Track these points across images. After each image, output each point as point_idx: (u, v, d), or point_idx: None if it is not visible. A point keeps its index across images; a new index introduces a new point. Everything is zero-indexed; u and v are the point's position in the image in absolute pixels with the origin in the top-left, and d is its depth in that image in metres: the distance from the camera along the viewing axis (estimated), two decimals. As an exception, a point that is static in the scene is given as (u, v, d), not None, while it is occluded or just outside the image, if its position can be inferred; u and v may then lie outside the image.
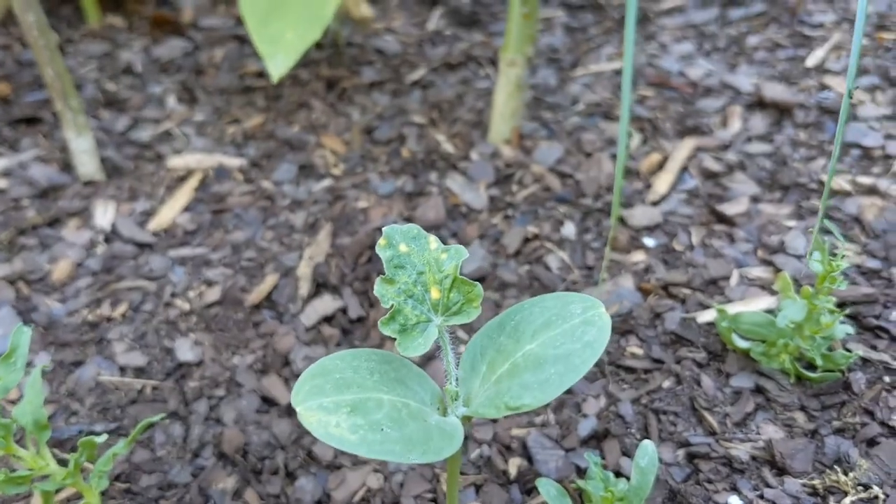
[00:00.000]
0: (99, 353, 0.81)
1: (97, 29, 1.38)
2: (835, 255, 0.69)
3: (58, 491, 0.66)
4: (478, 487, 0.71)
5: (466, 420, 0.53)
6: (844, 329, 0.71)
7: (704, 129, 1.14)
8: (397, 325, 0.51)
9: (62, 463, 0.67)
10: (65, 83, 0.97)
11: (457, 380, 0.54)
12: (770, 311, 0.80)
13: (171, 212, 0.97)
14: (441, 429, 0.51)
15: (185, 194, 1.00)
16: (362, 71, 1.27)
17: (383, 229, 0.52)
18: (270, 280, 0.89)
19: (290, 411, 0.78)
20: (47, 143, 1.10)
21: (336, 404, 0.49)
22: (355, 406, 0.49)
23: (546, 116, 1.17)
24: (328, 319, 0.87)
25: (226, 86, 1.25)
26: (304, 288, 0.88)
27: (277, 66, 1.03)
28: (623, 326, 0.81)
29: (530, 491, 0.70)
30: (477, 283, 0.51)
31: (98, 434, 0.73)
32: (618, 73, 1.28)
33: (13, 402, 0.75)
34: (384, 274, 0.51)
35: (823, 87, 1.19)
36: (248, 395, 0.79)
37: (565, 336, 0.53)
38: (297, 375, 0.81)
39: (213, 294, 0.86)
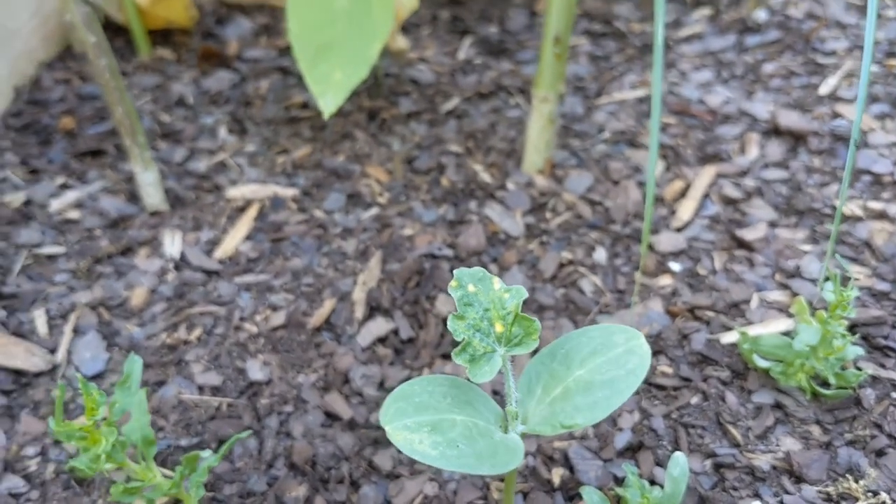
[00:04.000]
0: (178, 373, 0.89)
1: (148, 61, 1.47)
2: (846, 283, 0.77)
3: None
4: (525, 494, 0.79)
5: (524, 437, 0.61)
6: (855, 350, 0.79)
7: (724, 155, 1.21)
8: (467, 355, 0.59)
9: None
10: (133, 121, 1.06)
11: (516, 401, 0.62)
12: (787, 333, 0.87)
13: (233, 241, 1.06)
14: (505, 444, 0.59)
15: (245, 224, 1.09)
16: (400, 101, 1.36)
17: (454, 272, 0.60)
18: (328, 304, 0.97)
19: (352, 425, 0.86)
20: (112, 174, 1.19)
21: (418, 424, 0.57)
22: (434, 426, 0.57)
23: (574, 144, 1.25)
24: (382, 340, 0.95)
25: (272, 117, 1.34)
26: (360, 311, 0.97)
27: (328, 104, 1.12)
28: (654, 347, 0.89)
29: (572, 497, 0.78)
30: (535, 318, 0.60)
31: (185, 448, 0.82)
32: (641, 101, 1.36)
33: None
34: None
35: (836, 115, 1.26)
36: (314, 411, 0.87)
37: (610, 364, 0.61)
38: (357, 393, 0.89)
39: (278, 318, 0.95)
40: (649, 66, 1.46)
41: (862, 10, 1.57)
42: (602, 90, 1.40)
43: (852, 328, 0.89)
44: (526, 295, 0.59)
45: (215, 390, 0.88)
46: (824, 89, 1.33)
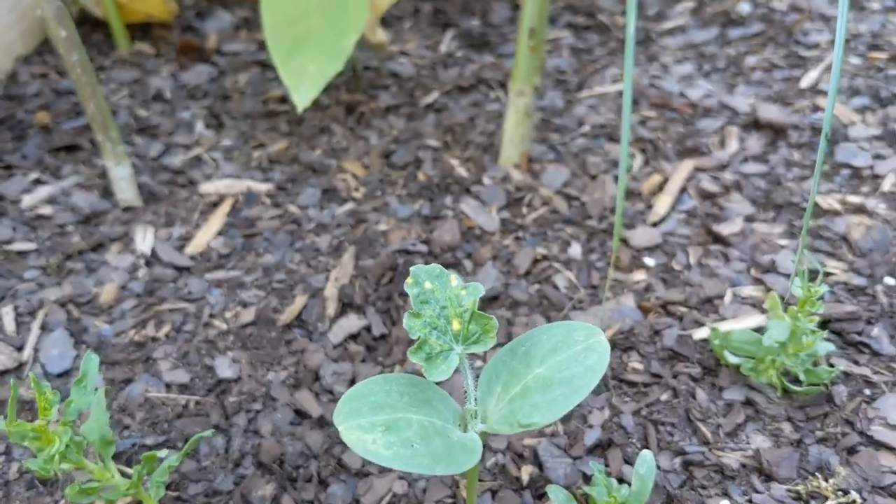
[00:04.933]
0: (146, 371, 0.88)
1: (126, 55, 1.45)
2: (814, 279, 0.76)
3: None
4: (494, 493, 0.78)
5: (484, 435, 0.60)
6: (827, 346, 0.78)
7: (703, 149, 1.21)
8: (424, 353, 0.58)
9: (122, 474, 0.75)
10: (105, 116, 1.05)
11: (475, 399, 0.61)
12: (760, 329, 0.87)
13: (205, 236, 1.05)
14: (462, 444, 0.58)
15: (217, 219, 1.07)
16: (379, 95, 1.34)
17: (411, 269, 0.59)
18: (300, 301, 0.96)
19: (321, 423, 0.85)
20: (87, 169, 1.17)
21: (372, 424, 0.56)
22: (388, 425, 0.56)
23: (553, 138, 1.24)
24: (354, 337, 0.94)
25: (250, 111, 1.33)
26: (331, 308, 0.96)
27: (302, 97, 1.11)
28: (625, 343, 0.88)
29: (541, 496, 0.78)
30: (492, 316, 0.59)
31: (150, 447, 0.81)
32: (622, 94, 1.35)
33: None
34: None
35: (816, 108, 1.25)
36: (283, 409, 0.86)
37: (570, 361, 0.60)
38: (327, 390, 0.88)
39: (248, 315, 0.94)
40: (633, 58, 1.45)
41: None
42: (583, 83, 1.39)
43: (826, 324, 0.88)
44: (482, 291, 0.59)
45: (183, 388, 0.87)
46: (805, 82, 1.32)
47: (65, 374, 0.88)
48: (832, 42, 1.42)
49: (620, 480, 0.76)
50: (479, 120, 1.29)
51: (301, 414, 0.86)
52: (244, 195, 1.12)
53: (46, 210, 1.10)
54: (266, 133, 1.28)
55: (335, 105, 1.32)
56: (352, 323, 0.95)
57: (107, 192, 1.13)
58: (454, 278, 0.60)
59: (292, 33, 1.12)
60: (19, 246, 1.03)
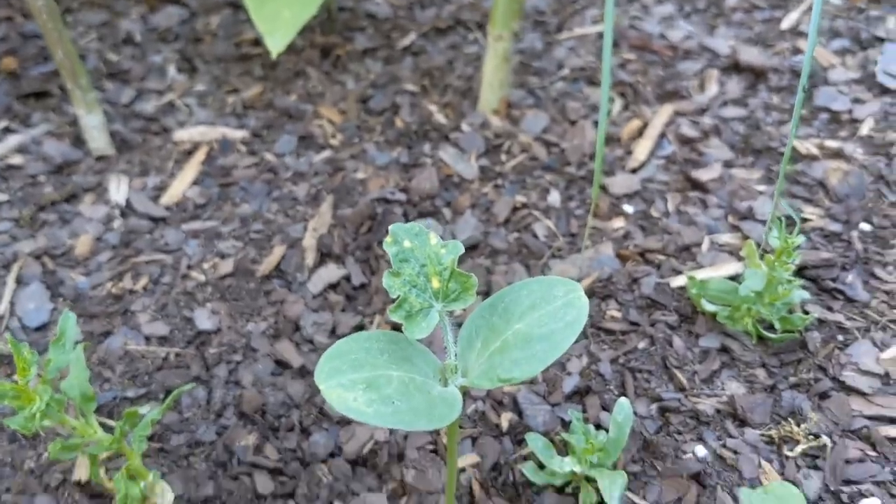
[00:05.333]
0: (125, 323, 0.88)
1: (94, -3, 1.41)
2: (791, 226, 0.76)
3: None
4: (474, 439, 0.79)
5: (464, 389, 0.61)
6: (801, 295, 0.79)
7: (683, 92, 1.20)
8: (403, 311, 0.58)
9: (105, 427, 0.75)
10: (74, 63, 1.02)
11: (455, 355, 0.61)
12: (736, 277, 0.87)
13: (181, 185, 1.03)
14: (443, 398, 0.58)
15: (192, 168, 1.06)
16: (355, 37, 1.32)
17: (390, 228, 0.59)
18: (278, 251, 0.96)
19: (302, 373, 0.86)
20: (57, 117, 1.15)
21: (353, 382, 0.56)
22: (369, 383, 0.57)
23: (532, 82, 1.23)
24: (333, 287, 0.94)
25: (223, 54, 1.30)
26: (310, 258, 0.95)
27: (276, 43, 1.08)
28: (603, 291, 0.89)
29: (520, 441, 0.79)
30: (471, 275, 0.59)
31: (131, 400, 0.81)
32: (602, 36, 1.33)
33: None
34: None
35: (797, 51, 1.24)
36: (263, 360, 0.86)
37: (549, 317, 0.60)
38: (308, 340, 0.89)
39: (227, 266, 0.93)
40: (612, -1, 1.43)
41: (829, -61, 1.54)
42: (563, 25, 1.36)
43: (801, 270, 0.89)
44: (462, 250, 0.58)
45: (163, 340, 0.87)
46: (786, 24, 1.31)
47: (42, 328, 0.87)
48: (814, -19, 1.40)
49: (598, 427, 0.78)
50: (457, 63, 1.27)
51: (282, 364, 0.87)
52: (219, 143, 1.11)
53: (17, 160, 1.07)
54: (240, 77, 1.25)
55: (310, 48, 1.30)
56: (331, 273, 0.95)
57: (78, 141, 1.11)
58: (433, 236, 0.60)
59: (265, -24, 1.09)
60: (-10, 197, 1.02)
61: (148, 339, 0.87)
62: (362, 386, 0.57)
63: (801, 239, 0.73)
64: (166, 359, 0.86)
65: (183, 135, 1.12)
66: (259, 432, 0.80)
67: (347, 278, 0.95)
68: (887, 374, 0.78)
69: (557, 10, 1.40)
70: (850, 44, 1.24)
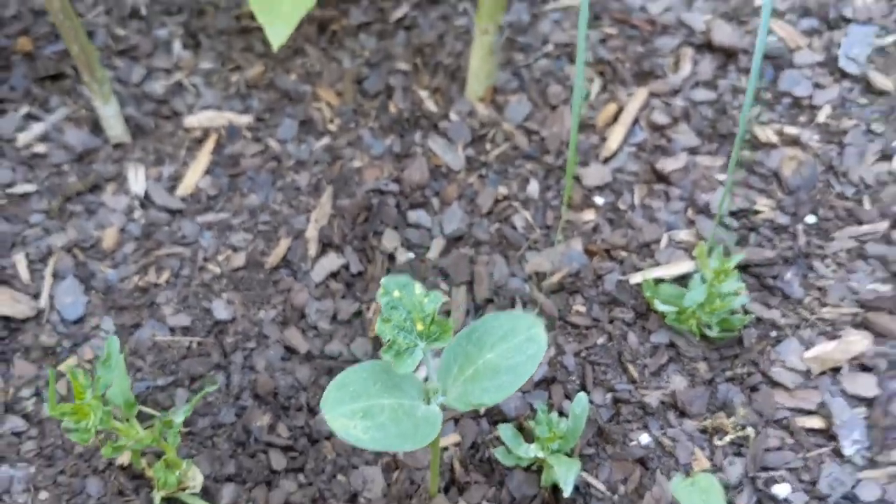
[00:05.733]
0: (151, 315, 1.01)
1: (97, -37, 1.46)
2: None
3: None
4: (456, 420, 0.93)
5: (443, 407, 0.74)
6: (741, 300, 0.91)
7: (659, 72, 1.28)
8: (393, 351, 0.71)
9: (142, 416, 0.89)
10: (90, 57, 1.10)
11: (436, 378, 0.74)
12: (689, 276, 0.99)
13: (194, 176, 1.14)
14: (426, 418, 0.72)
15: (204, 157, 1.16)
16: (350, 11, 1.38)
17: (382, 281, 0.70)
18: (284, 243, 1.07)
19: (308, 357, 0.99)
20: (73, 102, 1.24)
21: (352, 411, 0.69)
22: (365, 412, 0.70)
23: (518, 59, 1.30)
24: (334, 275, 1.06)
25: (225, 27, 1.37)
26: (313, 249, 1.07)
27: (276, 35, 1.15)
28: (572, 286, 1.01)
29: (496, 422, 0.93)
30: (448, 318, 0.71)
31: (161, 388, 0.95)
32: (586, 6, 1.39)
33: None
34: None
35: (769, 31, 1.31)
36: (274, 346, 1.00)
37: (514, 350, 0.73)
38: (313, 326, 1.01)
39: (239, 259, 1.05)
40: (597, -35, 1.47)
41: None
42: (549, -6, 1.42)
43: (746, 268, 1.01)
44: (442, 300, 0.70)
45: (185, 330, 1.00)
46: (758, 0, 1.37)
47: (79, 321, 1.00)
48: (793, -51, 1.45)
49: (561, 413, 0.92)
50: (447, 38, 1.34)
51: (290, 350, 1.00)
52: (226, 129, 1.20)
53: (41, 148, 1.17)
54: (242, 54, 1.33)
55: (307, 23, 1.36)
56: (332, 262, 1.06)
57: (96, 127, 1.20)
58: (418, 287, 0.71)
59: (264, -30, 1.15)
60: (21, 188, 1.12)
61: (172, 329, 1.00)
62: (360, 415, 0.70)
63: (736, 259, 0.85)
64: (189, 348, 0.99)
65: (192, 121, 1.21)
66: (272, 412, 0.94)
67: (346, 267, 1.06)
68: (809, 371, 0.91)
69: (544, -22, 1.45)
70: (818, 23, 1.31)
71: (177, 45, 1.34)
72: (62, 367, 0.96)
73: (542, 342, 0.72)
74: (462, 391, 0.73)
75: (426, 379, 0.74)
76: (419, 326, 0.71)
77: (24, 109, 1.22)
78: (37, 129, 1.19)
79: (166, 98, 1.25)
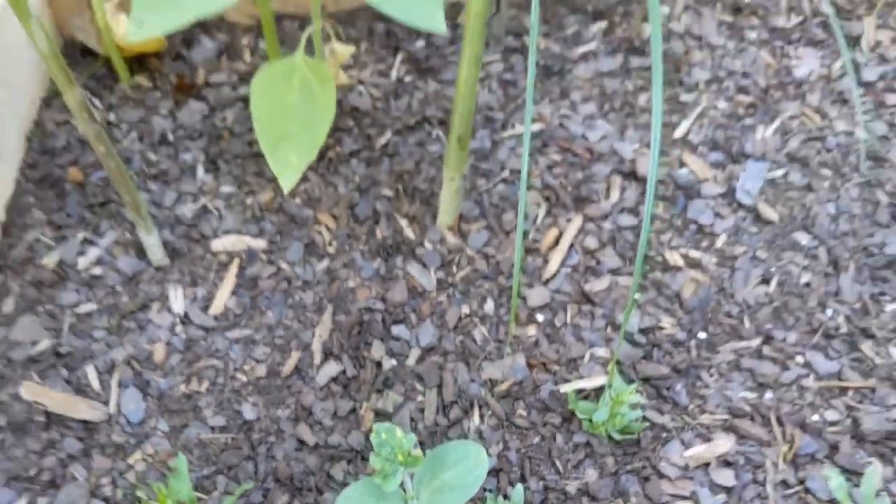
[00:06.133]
0: (195, 417, 1.32)
1: (129, 91, 1.75)
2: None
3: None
4: (428, 500, 1.25)
5: (417, 509, 1.06)
6: (637, 414, 1.23)
7: (594, 197, 1.59)
8: (381, 475, 1.02)
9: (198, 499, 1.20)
10: (137, 202, 1.40)
11: (413, 488, 1.06)
12: (604, 388, 1.31)
13: (222, 297, 1.44)
14: (405, 522, 1.04)
15: (230, 280, 1.46)
16: (343, 139, 1.69)
17: (374, 426, 1.02)
18: (295, 355, 1.38)
19: (315, 448, 1.30)
20: (118, 225, 1.53)
21: (354, 518, 1.01)
22: (362, 518, 1.02)
23: (480, 185, 1.61)
24: (334, 379, 1.37)
25: (239, 152, 1.67)
26: (317, 358, 1.38)
27: (287, 182, 1.45)
28: (517, 394, 1.33)
29: (458, 501, 1.25)
30: (420, 454, 1.03)
31: (207, 476, 1.26)
32: (536, 135, 1.70)
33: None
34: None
35: (682, 164, 1.63)
36: (289, 439, 1.31)
37: (465, 472, 1.05)
38: (318, 423, 1.33)
39: (261, 369, 1.36)
40: (548, 93, 1.79)
41: (732, 26, 1.88)
42: (507, 121, 1.73)
43: (647, 379, 1.33)
44: (414, 441, 1.02)
45: (222, 429, 1.31)
46: (678, 132, 1.68)
47: (141, 423, 1.31)
48: (709, 82, 1.77)
49: (506, 496, 1.24)
50: (423, 164, 1.65)
51: (302, 442, 1.31)
52: (246, 253, 1.51)
53: (97, 271, 1.47)
54: (255, 178, 1.63)
55: (308, 151, 1.66)
56: (332, 368, 1.38)
57: (140, 251, 1.50)
58: (399, 431, 1.03)
59: (276, 131, 1.46)
60: (85, 308, 1.42)
61: (213, 429, 1.31)
62: (358, 524, 1.02)
63: (636, 385, 1.17)
64: (226, 443, 1.30)
65: (218, 245, 1.51)
66: (290, 493, 1.26)
67: (344, 372, 1.38)
68: (687, 466, 1.24)
69: (503, 105, 1.76)
70: (723, 157, 1.63)
71: (200, 170, 1.64)
72: (130, 461, 1.27)
73: (483, 466, 1.04)
74: (430, 499, 1.05)
75: (405, 491, 1.06)
76: (400, 458, 1.03)
77: (81, 235, 1.52)
78: (92, 254, 1.49)
79: (195, 222, 1.55)
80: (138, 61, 1.80)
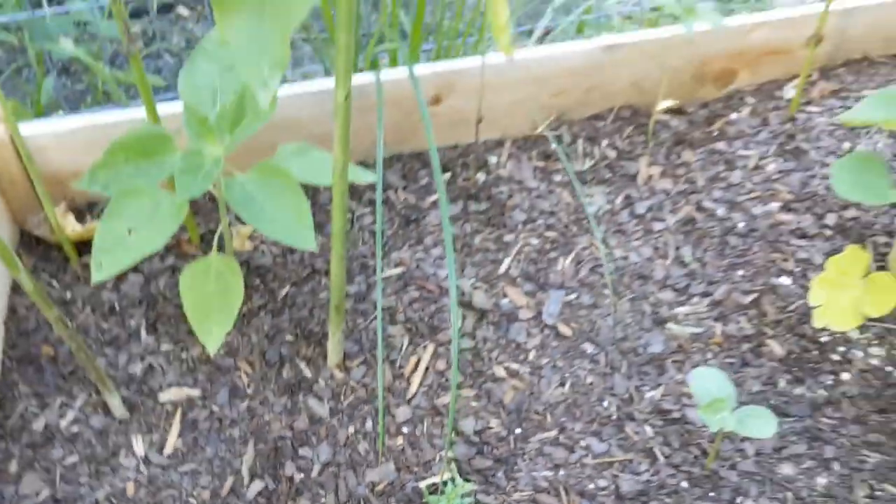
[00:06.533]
0: (163, 536, 1.85)
1: (80, 271, 2.25)
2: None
3: None
4: (333, 576, 1.82)
5: None
6: (470, 500, 1.82)
7: (444, 325, 2.17)
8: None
9: None
10: (96, 370, 1.92)
11: None
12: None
13: (172, 440, 1.97)
14: None
15: (176, 425, 1.99)
16: (252, 296, 2.23)
17: None
18: (230, 479, 1.92)
19: (251, 550, 1.85)
20: (87, 390, 2.05)
21: None
22: None
23: (359, 324, 2.17)
24: (259, 493, 1.92)
25: (172, 313, 2.19)
26: (246, 480, 1.93)
27: (212, 346, 1.99)
28: (390, 492, 1.90)
29: (354, 574, 1.82)
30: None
31: (176, 580, 1.80)
32: (399, 278, 2.27)
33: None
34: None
35: (505, 294, 2.22)
36: (232, 543, 1.86)
37: None
38: (251, 528, 1.88)
39: (206, 494, 1.90)
40: (408, 238, 2.35)
41: (545, 171, 2.48)
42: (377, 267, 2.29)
43: (479, 471, 1.91)
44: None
45: (183, 542, 1.85)
46: (502, 269, 2.27)
47: (124, 545, 1.83)
48: (524, 223, 2.36)
49: (386, 568, 1.81)
50: (315, 310, 2.20)
51: (241, 543, 1.86)
52: (186, 401, 2.04)
53: (75, 429, 1.98)
54: (186, 336, 2.16)
55: (226, 310, 2.20)
56: (257, 486, 1.92)
57: (105, 408, 2.01)
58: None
59: (201, 313, 1.99)
60: (70, 460, 1.93)
61: (176, 543, 1.84)
62: None
63: (467, 487, 1.75)
64: (186, 553, 1.84)
65: (164, 396, 2.04)
66: (236, 582, 1.81)
67: (266, 487, 1.92)
68: (506, 533, 1.83)
69: (374, 252, 2.32)
70: (533, 287, 2.23)
71: (143, 332, 2.16)
72: (119, 576, 1.79)
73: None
74: None
75: None
76: None
77: (59, 400, 2.03)
78: (70, 415, 2.00)
79: (145, 379, 2.08)
80: (85, 245, 2.30)
